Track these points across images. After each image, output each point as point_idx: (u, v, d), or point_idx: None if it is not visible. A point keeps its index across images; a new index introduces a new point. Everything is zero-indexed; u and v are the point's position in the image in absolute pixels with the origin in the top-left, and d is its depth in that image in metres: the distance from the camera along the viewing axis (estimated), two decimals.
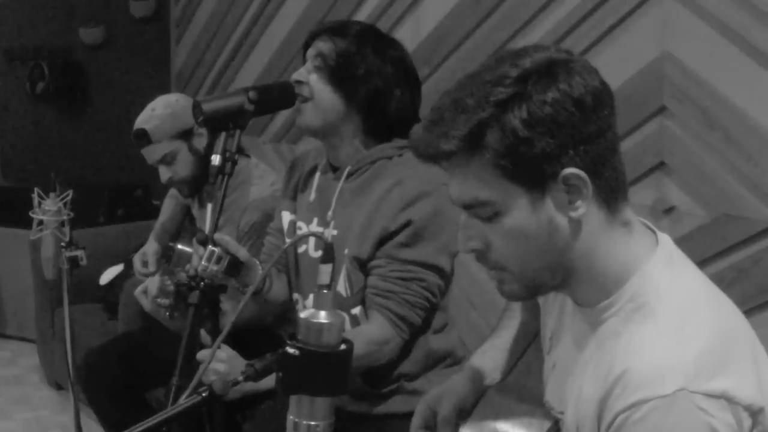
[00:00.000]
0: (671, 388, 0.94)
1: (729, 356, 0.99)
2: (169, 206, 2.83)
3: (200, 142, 2.46)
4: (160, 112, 2.43)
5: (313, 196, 1.89)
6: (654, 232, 1.11)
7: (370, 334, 1.73)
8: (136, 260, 2.68)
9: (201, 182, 2.48)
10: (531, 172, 1.01)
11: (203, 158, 2.42)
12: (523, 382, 1.29)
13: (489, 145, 1.00)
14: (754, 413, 0.97)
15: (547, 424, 1.17)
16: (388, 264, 1.74)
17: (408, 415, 1.41)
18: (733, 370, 0.97)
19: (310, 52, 1.81)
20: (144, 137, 2.42)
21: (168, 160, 2.45)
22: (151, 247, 2.71)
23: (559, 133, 0.99)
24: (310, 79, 1.78)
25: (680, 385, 0.94)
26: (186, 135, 2.44)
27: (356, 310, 1.80)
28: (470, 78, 1.04)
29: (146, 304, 2.30)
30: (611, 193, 1.05)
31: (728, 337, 1.02)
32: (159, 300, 2.17)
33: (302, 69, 1.80)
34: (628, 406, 0.96)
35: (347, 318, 1.79)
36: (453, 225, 1.73)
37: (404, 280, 1.73)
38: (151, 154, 2.46)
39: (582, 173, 1.01)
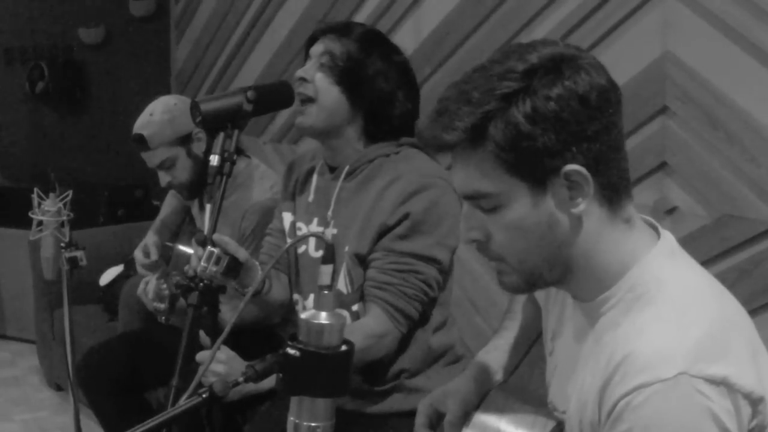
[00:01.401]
0: (672, 372, 0.94)
1: (729, 345, 0.99)
2: (170, 203, 2.82)
3: (199, 147, 2.44)
4: (158, 117, 2.41)
5: (311, 197, 1.88)
6: (656, 228, 1.11)
7: (368, 327, 1.72)
8: (138, 252, 2.66)
9: (200, 186, 2.46)
10: (532, 166, 1.01)
11: (202, 163, 2.40)
12: (527, 383, 1.28)
13: (491, 138, 1.01)
14: (754, 402, 0.97)
15: (551, 425, 1.17)
16: (385, 256, 1.73)
17: (407, 414, 1.40)
18: (734, 359, 0.97)
19: (316, 49, 1.79)
20: (142, 142, 2.41)
21: (167, 165, 2.43)
22: (151, 239, 2.68)
23: (562, 129, 1.00)
24: (316, 77, 1.76)
25: (681, 368, 0.94)
26: (184, 140, 2.42)
27: (357, 307, 1.79)
28: (477, 71, 1.04)
29: (148, 303, 2.30)
30: (614, 191, 1.05)
31: (729, 327, 1.01)
32: (155, 304, 2.16)
33: (307, 66, 1.78)
34: (628, 390, 0.96)
35: (348, 315, 1.78)
36: (451, 218, 1.74)
37: (401, 272, 1.72)
38: (150, 159, 2.45)
39: (584, 170, 1.01)
